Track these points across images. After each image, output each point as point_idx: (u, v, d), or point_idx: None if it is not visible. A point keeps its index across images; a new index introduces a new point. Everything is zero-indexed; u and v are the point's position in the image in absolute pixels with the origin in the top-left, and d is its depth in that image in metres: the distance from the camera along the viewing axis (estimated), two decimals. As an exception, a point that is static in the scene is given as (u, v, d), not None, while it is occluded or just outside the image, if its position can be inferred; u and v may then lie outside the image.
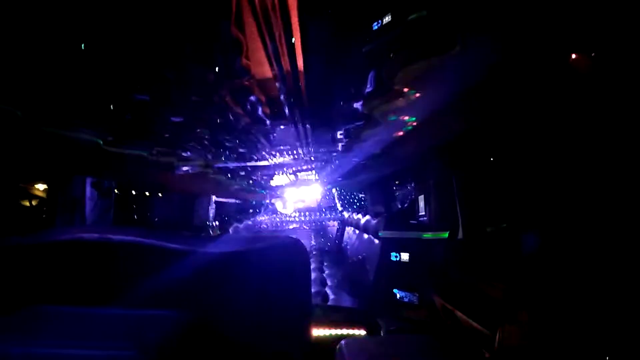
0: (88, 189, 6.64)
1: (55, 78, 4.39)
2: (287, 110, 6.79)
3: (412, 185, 7.68)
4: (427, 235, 5.85)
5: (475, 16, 2.97)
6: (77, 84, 4.58)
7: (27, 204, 8.30)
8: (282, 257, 2.25)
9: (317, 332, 5.40)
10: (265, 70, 5.78)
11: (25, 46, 3.74)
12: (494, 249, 4.68)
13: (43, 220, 7.55)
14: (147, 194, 9.52)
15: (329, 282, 10.56)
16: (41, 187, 8.06)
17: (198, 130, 6.84)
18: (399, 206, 9.95)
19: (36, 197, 8.25)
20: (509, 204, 4.42)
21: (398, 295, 6.50)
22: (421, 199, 6.35)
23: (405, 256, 6.56)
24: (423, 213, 6.31)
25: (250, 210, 16.60)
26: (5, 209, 7.81)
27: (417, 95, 3.78)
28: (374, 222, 8.47)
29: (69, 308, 1.84)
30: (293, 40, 4.16)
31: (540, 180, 4.08)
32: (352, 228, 12.03)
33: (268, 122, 7.56)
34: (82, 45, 4.05)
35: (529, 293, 3.49)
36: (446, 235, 5.35)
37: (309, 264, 2.41)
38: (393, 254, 6.68)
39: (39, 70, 4.16)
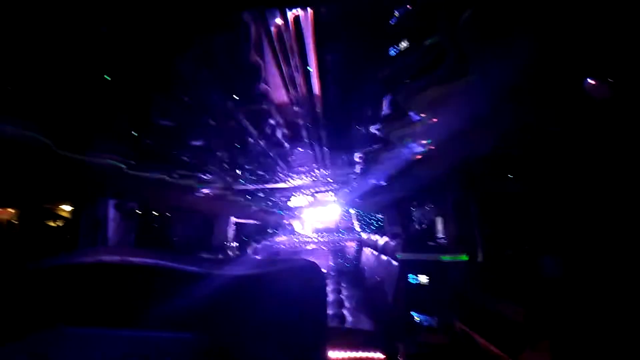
0: (111, 211, 6.78)
1: (82, 107, 4.59)
2: (305, 133, 6.91)
3: (430, 206, 7.64)
4: (446, 257, 5.79)
5: (493, 40, 3.01)
6: (102, 112, 4.77)
7: (53, 224, 8.54)
8: (298, 280, 2.27)
9: (334, 354, 5.34)
10: (283, 95, 5.92)
11: (56, 80, 3.94)
12: (514, 273, 4.60)
13: (67, 240, 7.73)
14: (167, 214, 9.69)
15: (346, 304, 10.46)
16: (66, 208, 8.28)
17: (218, 153, 7.00)
18: (417, 227, 9.88)
19: (61, 217, 8.48)
20: (529, 226, 4.35)
21: (417, 319, 6.40)
22: (439, 220, 6.31)
23: (423, 279, 6.48)
24: (441, 235, 6.26)
25: (269, 231, 16.66)
26: (31, 229, 8.05)
27: (435, 119, 3.81)
28: (392, 243, 8.42)
29: (89, 330, 1.89)
30: (310, 67, 4.28)
31: (562, 202, 4.02)
32: (370, 249, 11.95)
33: (286, 145, 7.69)
34: (107, 76, 4.25)
35: (551, 318, 3.42)
36: (465, 257, 5.29)
37: (325, 287, 2.42)
38: (411, 276, 6.61)
39: (67, 100, 4.37)
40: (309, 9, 3.80)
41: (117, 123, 5.06)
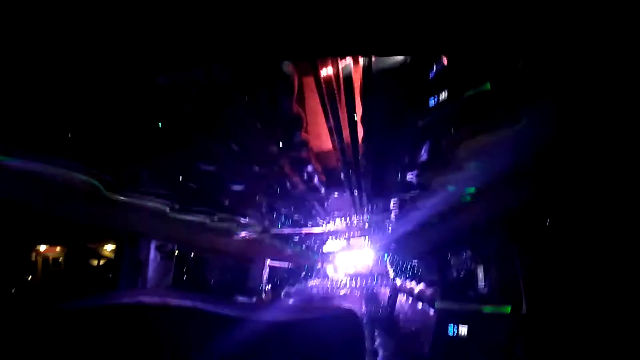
0: (152, 252, 6.97)
1: (133, 152, 4.86)
2: (342, 179, 7.02)
3: (469, 253, 7.46)
4: (488, 308, 5.58)
5: (535, 91, 3.05)
6: (151, 156, 5.03)
7: (95, 263, 8.82)
8: (335, 329, 2.26)
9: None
10: (322, 142, 6.09)
11: (113, 126, 4.23)
12: (563, 328, 4.39)
13: (109, 279, 7.91)
14: (203, 256, 9.84)
15: (380, 353, 10.12)
16: (108, 247, 8.57)
17: (257, 197, 7.18)
18: (455, 275, 9.60)
19: (103, 257, 8.77)
20: (579, 279, 4.18)
21: (456, 372, 6.14)
22: (480, 269, 6.14)
23: (463, 330, 6.25)
24: (482, 284, 6.07)
25: (302, 274, 16.55)
26: (76, 267, 8.33)
27: (477, 166, 3.83)
28: (428, 291, 8.21)
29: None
30: (355, 115, 4.43)
31: (614, 255, 3.85)
32: (405, 296, 11.65)
33: (323, 189, 7.81)
34: (160, 124, 4.52)
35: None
36: (508, 309, 5.09)
37: (364, 337, 2.39)
38: (450, 326, 6.38)
39: (120, 145, 4.65)
40: (353, 59, 3.98)
41: (164, 167, 5.30)
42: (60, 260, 8.53)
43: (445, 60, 4.14)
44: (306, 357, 2.19)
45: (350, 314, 2.35)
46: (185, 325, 2.44)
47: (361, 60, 3.66)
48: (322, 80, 3.91)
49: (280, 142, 5.08)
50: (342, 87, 3.99)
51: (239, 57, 3.26)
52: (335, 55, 3.48)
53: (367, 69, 3.70)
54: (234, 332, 2.34)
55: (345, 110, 4.49)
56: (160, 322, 2.44)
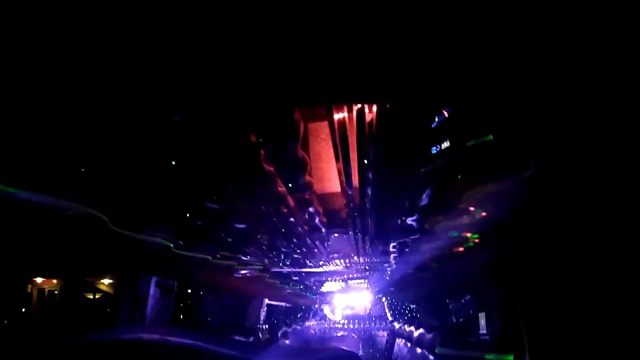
0: (152, 288, 6.94)
1: (143, 190, 4.95)
2: (344, 221, 7.09)
3: (469, 299, 7.41)
4: (490, 357, 5.52)
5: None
6: (159, 195, 5.12)
7: (91, 296, 8.70)
8: None
9: None
10: (324, 185, 6.21)
11: (124, 164, 4.34)
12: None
13: (106, 314, 7.79)
14: (201, 293, 9.74)
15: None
16: (105, 282, 8.48)
17: (258, 236, 7.21)
18: (455, 321, 9.49)
19: (100, 291, 8.65)
20: (583, 331, 4.14)
21: (457, 422, 6.01)
22: (482, 316, 6.10)
23: (464, 377, 6.16)
24: (484, 331, 6.02)
25: (299, 315, 16.29)
26: (71, 300, 8.21)
27: (484, 213, 3.92)
28: (428, 336, 8.12)
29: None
30: (365, 160, 4.55)
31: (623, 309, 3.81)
32: (403, 340, 11.47)
33: (324, 230, 7.85)
34: (173, 162, 4.63)
35: None
36: (511, 358, 5.04)
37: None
38: (451, 373, 6.30)
39: (129, 181, 4.74)
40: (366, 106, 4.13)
41: (171, 204, 5.38)
42: (56, 293, 8.43)
43: (446, 112, 4.30)
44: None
45: (352, 356, 2.40)
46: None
47: (372, 107, 3.81)
48: (335, 124, 4.06)
49: (285, 184, 5.19)
50: (354, 131, 4.13)
51: (255, 101, 3.41)
52: (350, 102, 3.61)
53: (378, 115, 3.85)
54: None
55: (344, 156, 4.63)
56: (160, 359, 2.49)
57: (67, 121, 3.51)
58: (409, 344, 10.58)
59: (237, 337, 8.96)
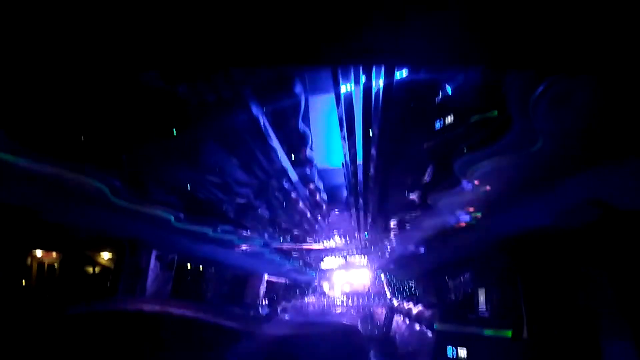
0: (152, 261, 6.94)
1: (144, 158, 4.89)
2: (344, 197, 7.06)
3: (468, 276, 7.42)
4: (489, 332, 5.55)
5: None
6: (161, 163, 5.06)
7: (90, 270, 8.71)
8: (339, 344, 2.27)
9: None
10: (326, 160, 6.16)
11: (126, 134, 4.26)
12: (564, 354, 4.36)
13: (105, 287, 7.80)
14: (201, 268, 9.76)
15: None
16: (105, 255, 8.47)
17: (259, 210, 7.19)
18: (454, 297, 9.55)
19: (99, 264, 8.65)
20: (584, 306, 4.12)
21: (454, 395, 6.08)
22: (481, 292, 6.12)
23: (462, 352, 6.20)
24: (483, 308, 6.04)
25: (298, 290, 16.41)
26: (71, 274, 8.22)
27: (488, 187, 3.85)
28: (427, 312, 8.17)
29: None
30: (371, 131, 4.48)
31: (630, 286, 3.78)
32: (402, 317, 11.56)
33: (324, 207, 7.84)
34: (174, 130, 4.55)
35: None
36: (509, 333, 5.07)
37: (368, 353, 2.40)
38: (450, 348, 6.34)
39: (131, 153, 4.67)
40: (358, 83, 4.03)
41: (173, 176, 5.32)
42: (55, 267, 8.43)
43: (449, 88, 4.20)
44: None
45: (353, 330, 2.38)
46: (187, 334, 2.45)
47: (380, 80, 3.72)
48: (341, 96, 3.98)
49: (287, 158, 5.14)
50: (361, 103, 4.05)
51: (258, 63, 3.29)
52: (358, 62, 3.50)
53: (386, 87, 3.76)
54: (236, 344, 2.36)
55: (347, 130, 4.56)
56: (161, 330, 2.46)
57: (66, 88, 3.43)
58: (407, 321, 10.66)
59: (237, 311, 9.03)
